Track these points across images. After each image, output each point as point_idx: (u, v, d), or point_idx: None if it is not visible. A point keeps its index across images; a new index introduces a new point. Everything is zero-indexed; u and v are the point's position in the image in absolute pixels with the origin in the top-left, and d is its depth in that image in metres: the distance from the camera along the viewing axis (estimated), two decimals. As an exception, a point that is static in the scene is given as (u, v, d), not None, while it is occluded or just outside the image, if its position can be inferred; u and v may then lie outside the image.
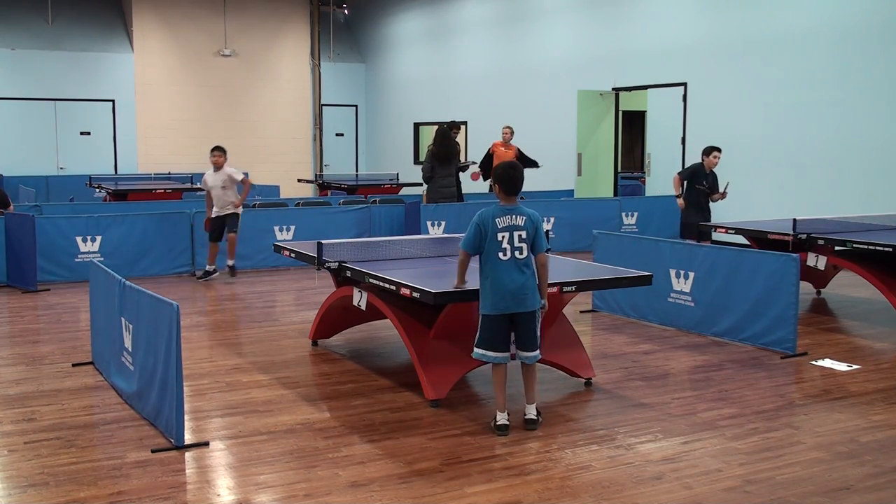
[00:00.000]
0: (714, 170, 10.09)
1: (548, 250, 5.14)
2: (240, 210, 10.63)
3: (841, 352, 7.10)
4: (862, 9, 11.39)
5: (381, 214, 12.41)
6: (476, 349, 5.15)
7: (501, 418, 5.13)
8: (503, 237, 4.96)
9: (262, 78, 21.56)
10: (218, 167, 10.40)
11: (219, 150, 10.54)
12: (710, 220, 9.98)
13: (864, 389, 6.06)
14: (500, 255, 4.96)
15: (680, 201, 10.10)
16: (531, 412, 5.21)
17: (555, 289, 5.41)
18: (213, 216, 10.52)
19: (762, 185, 12.65)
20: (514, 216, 4.98)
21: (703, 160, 10.11)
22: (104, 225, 10.63)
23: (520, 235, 4.96)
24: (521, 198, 13.66)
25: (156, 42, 20.39)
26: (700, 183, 10.00)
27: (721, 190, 10.07)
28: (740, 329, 7.30)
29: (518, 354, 5.17)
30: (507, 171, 5.11)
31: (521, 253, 4.96)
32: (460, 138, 14.28)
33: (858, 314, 8.70)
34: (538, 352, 5.16)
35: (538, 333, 5.14)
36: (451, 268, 6.37)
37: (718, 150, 10.08)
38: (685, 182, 10.10)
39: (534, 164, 13.13)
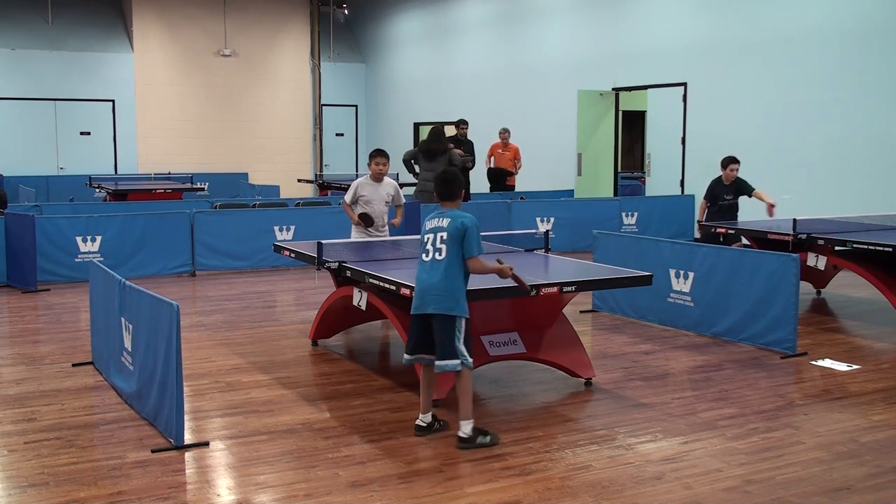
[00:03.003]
0: (739, 176, 9.63)
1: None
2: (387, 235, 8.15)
3: (841, 352, 7.10)
4: (862, 9, 11.39)
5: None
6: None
7: (418, 419, 5.12)
8: (428, 238, 4.96)
9: (262, 78, 21.56)
10: (380, 178, 7.89)
11: (385, 157, 7.90)
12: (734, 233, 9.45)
13: (864, 389, 6.06)
14: (424, 255, 4.96)
15: (699, 216, 9.72)
16: (461, 428, 4.88)
17: (555, 289, 5.41)
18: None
19: (762, 185, 12.56)
20: (440, 219, 4.96)
21: (721, 173, 9.69)
22: (104, 225, 10.62)
23: (441, 237, 4.91)
24: (522, 198, 13.80)
25: (156, 42, 20.39)
26: (722, 198, 9.62)
27: (771, 201, 9.52)
28: (740, 329, 7.30)
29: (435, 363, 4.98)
30: (438, 176, 5.14)
31: (440, 255, 4.89)
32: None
33: (858, 314, 8.70)
34: (450, 362, 4.84)
35: (453, 344, 4.83)
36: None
37: (736, 161, 9.64)
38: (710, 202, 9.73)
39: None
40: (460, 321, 4.87)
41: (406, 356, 5.08)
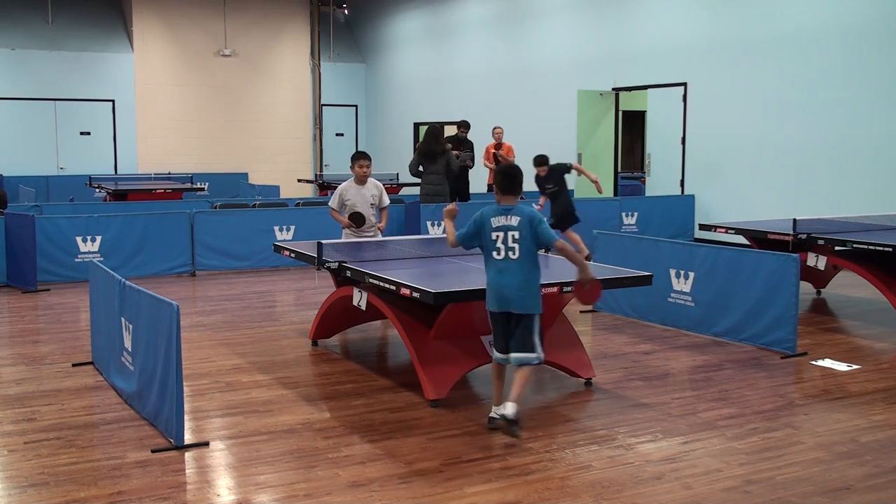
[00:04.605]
0: (562, 163, 11.05)
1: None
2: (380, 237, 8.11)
3: (841, 352, 7.10)
4: (862, 9, 11.38)
5: (382, 214, 12.38)
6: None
7: (492, 411, 5.18)
8: (497, 237, 4.99)
9: (262, 78, 21.56)
10: (364, 180, 7.90)
11: (367, 159, 7.95)
12: (560, 215, 10.73)
13: (864, 389, 6.06)
14: (495, 254, 5.01)
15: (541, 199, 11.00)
16: (507, 409, 5.00)
17: (555, 289, 5.41)
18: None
19: (762, 184, 12.65)
20: (508, 216, 4.99)
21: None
22: (104, 225, 10.62)
23: (513, 236, 4.96)
24: (522, 198, 13.76)
25: (156, 42, 20.39)
26: (544, 188, 10.87)
27: (594, 176, 11.00)
28: (740, 329, 7.30)
29: (510, 356, 5.12)
30: (504, 170, 5.21)
31: (514, 253, 4.96)
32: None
33: (858, 314, 8.70)
34: (530, 356, 5.02)
35: (532, 338, 5.02)
36: (451, 268, 6.40)
37: (540, 162, 10.76)
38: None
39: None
40: (538, 317, 5.03)
41: (498, 354, 5.14)
